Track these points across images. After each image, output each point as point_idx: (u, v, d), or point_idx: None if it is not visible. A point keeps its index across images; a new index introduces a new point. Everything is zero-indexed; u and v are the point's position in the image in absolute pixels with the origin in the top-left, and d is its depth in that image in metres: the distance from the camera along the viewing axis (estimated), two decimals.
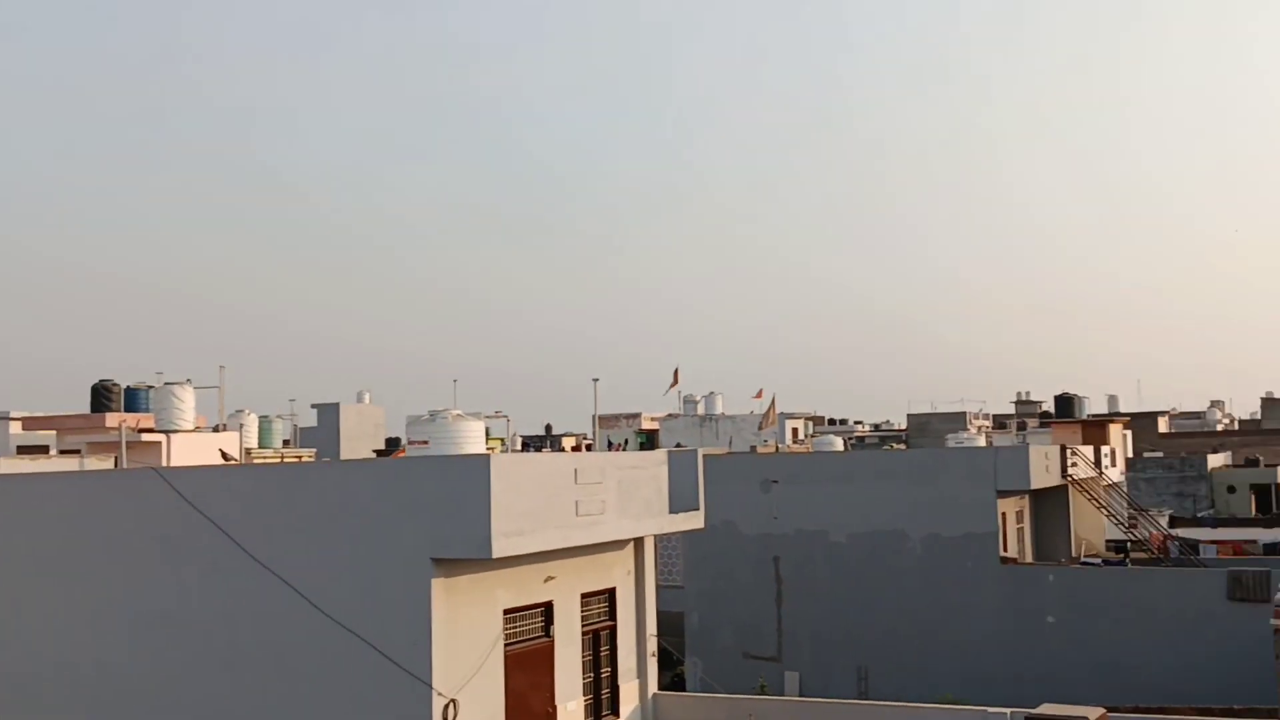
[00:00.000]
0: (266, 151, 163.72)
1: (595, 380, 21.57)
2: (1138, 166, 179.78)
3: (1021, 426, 70.75)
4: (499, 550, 14.23)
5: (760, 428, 58.99)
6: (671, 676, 33.56)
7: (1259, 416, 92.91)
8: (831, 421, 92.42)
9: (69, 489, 17.65)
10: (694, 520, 18.65)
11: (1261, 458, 70.13)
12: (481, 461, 14.57)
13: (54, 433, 32.46)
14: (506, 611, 15.85)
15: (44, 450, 30.51)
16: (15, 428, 32.87)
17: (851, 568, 32.80)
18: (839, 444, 46.92)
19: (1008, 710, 16.75)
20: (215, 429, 33.88)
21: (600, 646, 17.87)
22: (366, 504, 15.17)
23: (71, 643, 16.59)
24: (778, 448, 54.19)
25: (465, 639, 15.02)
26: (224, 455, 24.62)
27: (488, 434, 46.88)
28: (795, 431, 70.21)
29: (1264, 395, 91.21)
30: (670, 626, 35.80)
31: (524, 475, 15.08)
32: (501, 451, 38.58)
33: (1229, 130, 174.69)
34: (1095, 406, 76.21)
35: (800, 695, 31.35)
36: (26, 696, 16.73)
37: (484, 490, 14.19)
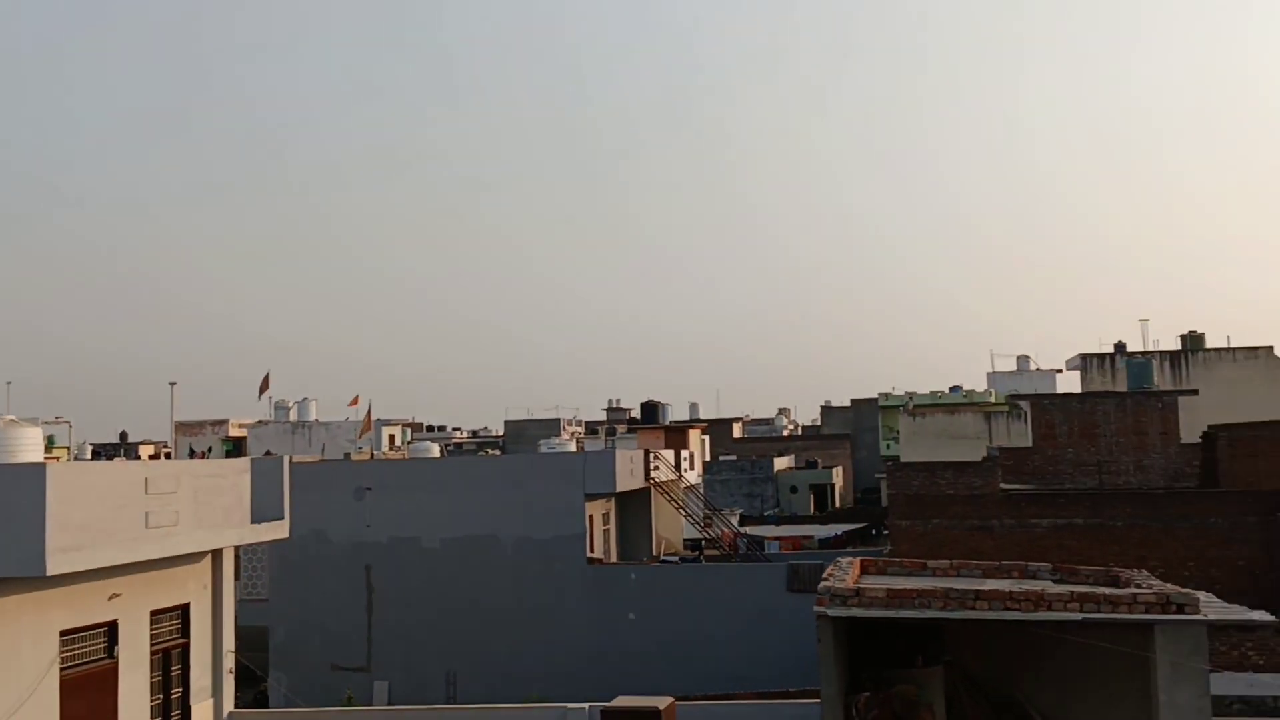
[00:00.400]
0: None
1: (172, 384, 20.40)
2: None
3: (611, 432, 73.83)
4: (54, 567, 13.11)
5: (358, 435, 57.95)
6: (254, 694, 32.21)
7: (819, 423, 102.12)
8: (430, 428, 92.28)
9: None
10: (278, 530, 18.03)
11: (820, 460, 77.18)
12: (35, 470, 13.38)
13: None
14: (63, 633, 14.61)
15: None
16: None
17: (444, 573, 32.88)
18: (435, 450, 46.99)
19: (586, 705, 17.41)
20: None
21: (171, 666, 16.88)
22: None
23: None
24: (373, 455, 53.44)
25: (12, 665, 13.72)
26: None
27: (51, 443, 43.11)
28: (392, 438, 69.51)
29: (823, 403, 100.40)
30: (255, 641, 34.35)
31: (86, 485, 13.99)
32: (67, 460, 35.55)
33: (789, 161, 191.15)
34: (678, 413, 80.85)
35: (389, 704, 31.04)
36: None
37: (38, 502, 13.02)
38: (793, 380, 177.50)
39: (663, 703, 16.33)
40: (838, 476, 74.24)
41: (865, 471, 79.09)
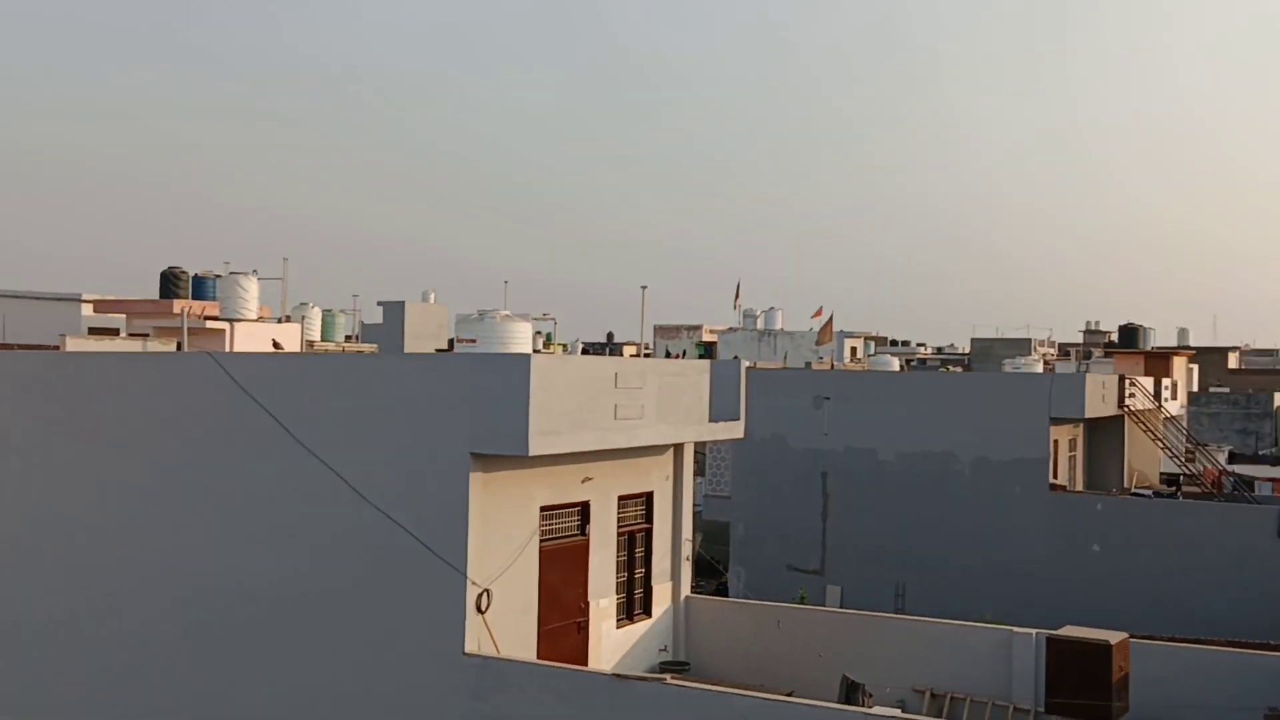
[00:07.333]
0: (332, 53, 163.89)
1: (644, 288, 21.50)
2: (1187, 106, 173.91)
3: (1087, 355, 69.82)
4: (535, 448, 14.51)
5: (817, 344, 58.76)
6: (716, 585, 34.10)
7: None
8: (894, 342, 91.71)
9: (130, 369, 18.20)
10: (734, 430, 18.81)
11: None
12: (522, 360, 14.83)
13: (124, 316, 33.38)
14: (543, 509, 16.20)
15: (114, 333, 31.40)
16: (87, 309, 33.84)
17: (899, 486, 32.93)
18: (895, 364, 46.77)
19: (1033, 632, 16.89)
20: (280, 320, 34.62)
21: (635, 548, 18.23)
22: (411, 397, 15.47)
23: (127, 511, 17.24)
24: (833, 365, 54.11)
25: (501, 533, 15.43)
26: (275, 345, 25.20)
27: (548, 339, 47.20)
28: (854, 350, 69.88)
29: None
30: (717, 535, 36.29)
31: (564, 376, 15.30)
32: (562, 355, 38.87)
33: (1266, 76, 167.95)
34: (1164, 339, 74.80)
35: (840, 608, 31.75)
36: (86, 554, 17.50)
37: (523, 389, 14.43)
38: None
39: (1115, 638, 15.51)
40: None
41: None
